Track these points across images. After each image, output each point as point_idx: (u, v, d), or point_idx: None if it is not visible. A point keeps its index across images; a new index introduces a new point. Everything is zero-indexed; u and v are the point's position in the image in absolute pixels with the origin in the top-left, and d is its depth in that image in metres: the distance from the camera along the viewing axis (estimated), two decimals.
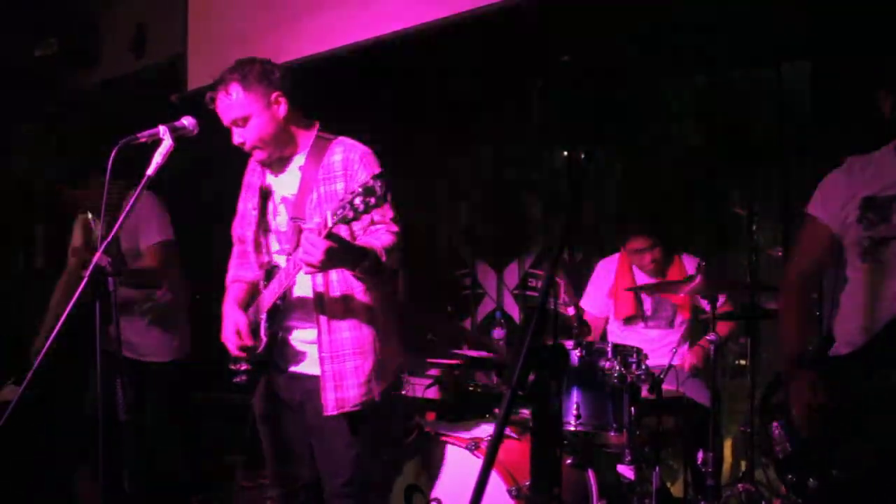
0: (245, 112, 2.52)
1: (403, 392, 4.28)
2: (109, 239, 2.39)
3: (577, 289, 4.30)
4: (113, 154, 2.39)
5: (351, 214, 2.15)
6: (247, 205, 2.77)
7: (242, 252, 2.81)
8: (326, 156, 2.56)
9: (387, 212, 2.48)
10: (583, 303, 4.19)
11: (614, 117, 4.84)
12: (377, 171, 2.45)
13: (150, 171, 2.41)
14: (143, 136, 2.40)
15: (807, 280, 2.63)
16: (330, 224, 2.19)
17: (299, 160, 2.62)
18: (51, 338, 2.32)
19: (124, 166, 2.39)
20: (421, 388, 4.32)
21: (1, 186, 5.39)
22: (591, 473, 3.16)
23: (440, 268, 5.79)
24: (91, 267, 2.32)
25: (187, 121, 2.47)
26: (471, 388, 4.08)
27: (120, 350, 2.64)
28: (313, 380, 2.54)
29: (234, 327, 2.61)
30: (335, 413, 2.49)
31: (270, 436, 2.71)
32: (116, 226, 2.39)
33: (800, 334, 2.57)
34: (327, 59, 4.20)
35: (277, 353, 2.62)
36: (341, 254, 2.28)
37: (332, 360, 2.51)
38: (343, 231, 2.43)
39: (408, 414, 4.03)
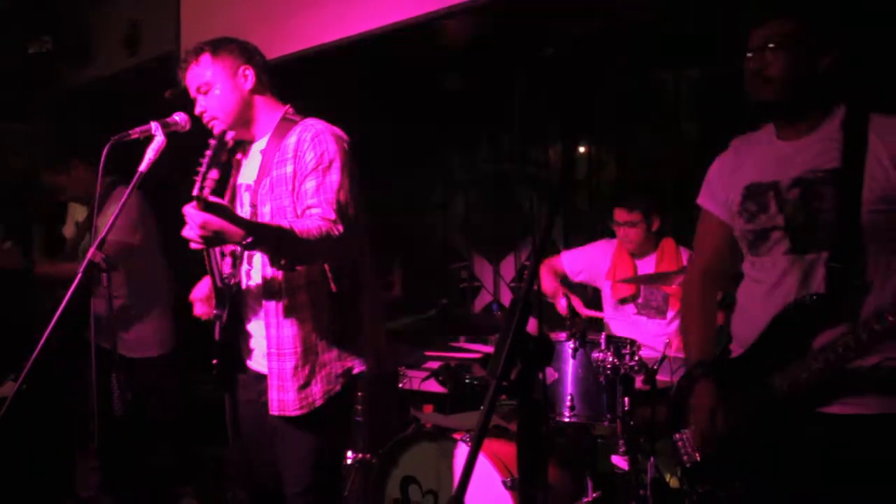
0: (208, 78, 2.46)
1: (401, 385, 4.31)
2: (103, 234, 2.41)
3: (571, 287, 4.30)
4: (105, 150, 2.40)
5: (198, 180, 2.05)
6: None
7: None
8: (286, 137, 2.43)
9: (329, 195, 2.30)
10: (564, 254, 4.17)
11: (609, 110, 4.86)
12: (329, 148, 2.35)
13: (142, 167, 2.41)
14: (135, 132, 2.40)
15: (705, 277, 2.40)
16: (196, 192, 2.05)
17: (261, 144, 2.51)
18: (46, 332, 2.34)
19: (113, 162, 2.40)
20: (418, 380, 4.35)
21: None
22: (585, 464, 3.18)
23: (436, 261, 5.81)
24: (84, 263, 2.34)
25: (179, 117, 2.47)
26: (467, 381, 4.10)
27: (116, 345, 2.66)
28: (264, 378, 2.45)
29: (199, 286, 2.62)
30: (277, 414, 2.39)
31: (237, 430, 2.63)
32: (108, 224, 2.41)
33: (698, 337, 2.35)
34: (321, 54, 4.20)
35: (243, 346, 2.53)
36: (223, 227, 2.08)
37: (279, 357, 2.39)
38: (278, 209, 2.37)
39: (404, 406, 4.06)
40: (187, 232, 2.10)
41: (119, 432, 3.01)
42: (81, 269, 2.33)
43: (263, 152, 2.48)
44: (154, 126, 2.40)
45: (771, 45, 2.07)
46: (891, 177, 1.98)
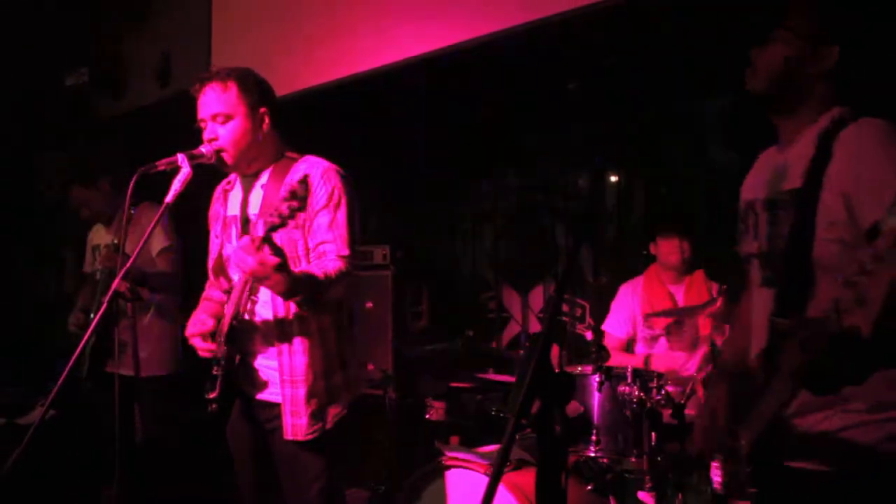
0: (230, 110, 2.49)
1: (427, 416, 4.28)
2: (129, 265, 2.44)
3: (602, 312, 4.27)
4: (133, 181, 2.43)
5: (277, 221, 2.14)
6: (212, 234, 2.77)
7: (212, 280, 2.81)
8: (289, 174, 2.51)
9: (341, 231, 2.44)
10: (605, 325, 4.17)
11: (638, 139, 4.83)
12: (337, 185, 2.45)
13: (168, 198, 2.43)
14: (162, 164, 2.43)
15: (745, 304, 2.17)
16: (261, 233, 2.16)
17: (263, 180, 2.58)
18: (72, 360, 2.36)
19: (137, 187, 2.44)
20: (443, 411, 4.30)
21: (31, 213, 5.50)
22: (611, 499, 3.12)
23: (464, 292, 5.79)
24: (110, 293, 2.36)
25: (206, 148, 2.49)
26: (493, 412, 4.05)
27: (139, 373, 2.67)
28: (277, 407, 2.49)
29: (193, 324, 2.53)
30: (291, 438, 2.45)
31: (243, 464, 2.65)
32: (135, 254, 2.43)
33: (729, 352, 2.22)
34: (349, 84, 4.24)
35: (244, 378, 2.55)
36: (273, 274, 2.19)
37: (292, 384, 2.46)
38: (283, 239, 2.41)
39: (429, 438, 4.02)
40: (241, 260, 2.19)
41: (141, 460, 3.04)
42: (106, 299, 2.36)
43: (265, 188, 2.54)
44: (180, 158, 2.42)
45: (771, 38, 1.89)
46: (835, 199, 1.68)
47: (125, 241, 2.69)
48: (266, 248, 2.18)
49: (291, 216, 2.15)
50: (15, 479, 2.23)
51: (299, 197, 2.13)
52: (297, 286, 2.28)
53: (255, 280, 2.33)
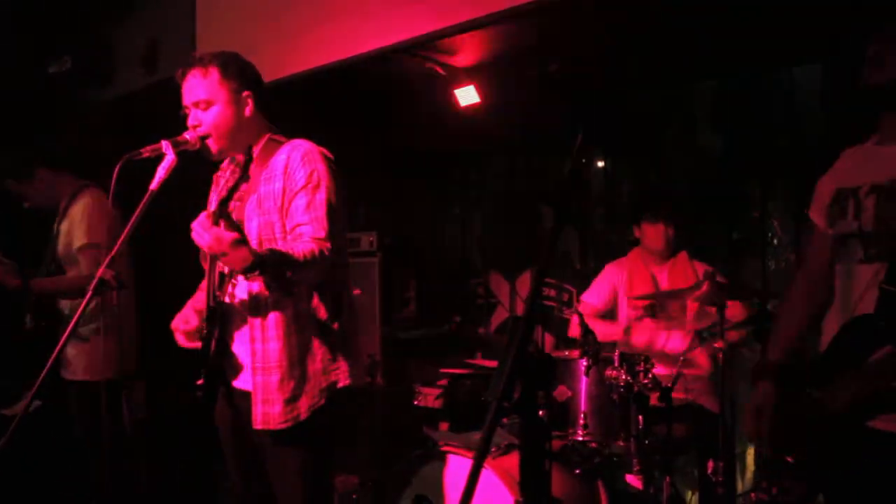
0: (211, 96, 2.46)
1: (416, 402, 4.29)
2: (114, 252, 2.42)
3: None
4: (116, 170, 2.39)
5: (225, 193, 2.17)
6: None
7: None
8: (273, 157, 2.48)
9: (319, 213, 2.37)
10: (583, 296, 4.19)
11: (626, 124, 4.84)
12: (318, 167, 2.40)
13: (152, 185, 2.40)
14: (146, 150, 2.39)
15: (802, 285, 2.37)
16: (213, 207, 2.16)
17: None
18: (54, 353, 2.35)
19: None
20: (432, 397, 4.32)
21: (15, 208, 5.44)
22: (599, 483, 3.14)
23: (453, 278, 5.80)
24: (94, 281, 2.34)
25: (190, 135, 2.46)
26: (482, 398, 4.06)
27: (121, 364, 2.64)
28: (250, 395, 2.44)
29: (180, 316, 2.52)
30: (261, 428, 2.39)
31: (230, 452, 2.61)
32: (118, 244, 2.40)
33: (776, 338, 2.36)
34: (336, 70, 4.21)
35: (226, 364, 2.50)
36: (232, 250, 2.12)
37: (263, 371, 2.40)
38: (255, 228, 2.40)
39: (418, 424, 4.04)
40: (198, 236, 2.14)
41: (127, 453, 3.02)
42: (91, 287, 2.34)
43: (251, 172, 2.50)
44: (165, 145, 2.40)
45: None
46: None
47: (62, 231, 2.45)
48: (222, 224, 2.14)
49: (235, 188, 2.16)
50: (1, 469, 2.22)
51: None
52: (258, 264, 2.16)
53: (213, 256, 2.30)
